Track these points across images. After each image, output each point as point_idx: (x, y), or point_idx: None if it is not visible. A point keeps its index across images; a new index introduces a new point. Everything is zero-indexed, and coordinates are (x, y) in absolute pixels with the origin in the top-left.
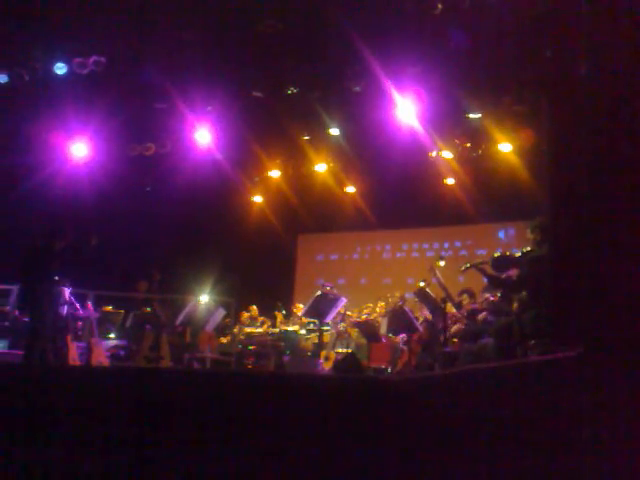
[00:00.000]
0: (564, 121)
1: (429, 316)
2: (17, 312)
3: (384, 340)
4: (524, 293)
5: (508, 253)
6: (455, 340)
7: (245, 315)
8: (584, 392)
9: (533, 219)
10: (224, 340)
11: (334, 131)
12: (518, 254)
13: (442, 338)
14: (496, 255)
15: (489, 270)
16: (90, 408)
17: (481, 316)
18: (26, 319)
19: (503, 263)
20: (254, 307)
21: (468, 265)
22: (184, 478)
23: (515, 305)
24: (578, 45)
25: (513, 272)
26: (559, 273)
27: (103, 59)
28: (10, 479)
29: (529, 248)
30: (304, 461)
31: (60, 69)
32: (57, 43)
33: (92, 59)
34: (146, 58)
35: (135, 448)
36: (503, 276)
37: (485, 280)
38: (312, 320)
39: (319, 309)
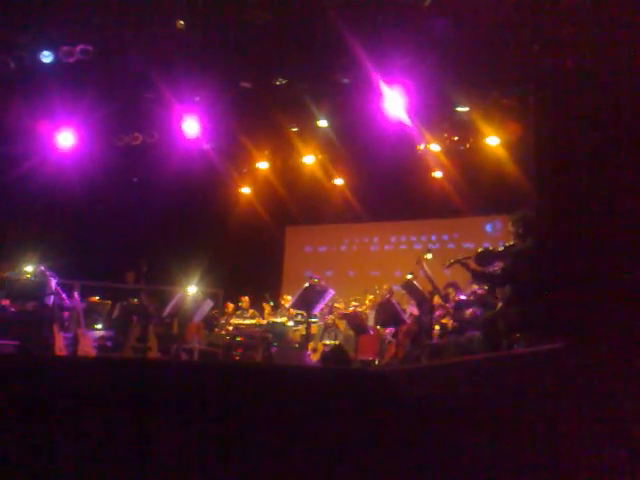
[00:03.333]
0: (551, 115)
1: (416, 309)
2: (7, 302)
3: (371, 332)
4: (507, 287)
5: (492, 248)
6: (443, 332)
7: (231, 306)
8: (570, 384)
9: (514, 213)
10: (222, 332)
11: (322, 123)
12: (501, 248)
13: (429, 330)
14: (479, 250)
15: (472, 265)
16: (76, 399)
17: (469, 312)
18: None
19: (486, 257)
20: (246, 298)
21: (452, 261)
22: (170, 469)
23: (498, 301)
24: (566, 38)
25: (497, 266)
26: (545, 266)
27: (90, 48)
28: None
29: (512, 242)
30: (291, 453)
31: (46, 57)
32: (44, 31)
33: (79, 47)
34: (134, 47)
35: (121, 439)
36: (487, 270)
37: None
38: (300, 312)
39: (307, 301)
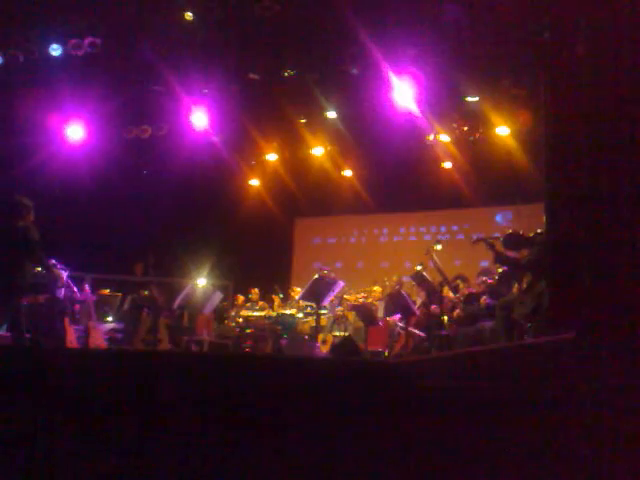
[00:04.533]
0: (562, 104)
1: (425, 300)
2: None
3: (381, 323)
4: (528, 274)
5: (521, 232)
6: (452, 323)
7: (240, 298)
8: (580, 374)
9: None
10: (231, 324)
11: (331, 114)
12: (532, 234)
13: (439, 321)
14: (509, 232)
15: (499, 246)
16: (88, 391)
17: (482, 299)
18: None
19: (514, 242)
20: (255, 290)
21: (479, 237)
22: (182, 460)
23: (517, 287)
24: (577, 26)
25: (523, 253)
26: (556, 256)
27: (99, 40)
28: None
29: (539, 230)
30: (301, 444)
31: (55, 50)
32: (52, 24)
33: (88, 40)
34: (142, 40)
35: (133, 430)
36: (511, 254)
37: (493, 255)
38: (309, 303)
39: (316, 292)
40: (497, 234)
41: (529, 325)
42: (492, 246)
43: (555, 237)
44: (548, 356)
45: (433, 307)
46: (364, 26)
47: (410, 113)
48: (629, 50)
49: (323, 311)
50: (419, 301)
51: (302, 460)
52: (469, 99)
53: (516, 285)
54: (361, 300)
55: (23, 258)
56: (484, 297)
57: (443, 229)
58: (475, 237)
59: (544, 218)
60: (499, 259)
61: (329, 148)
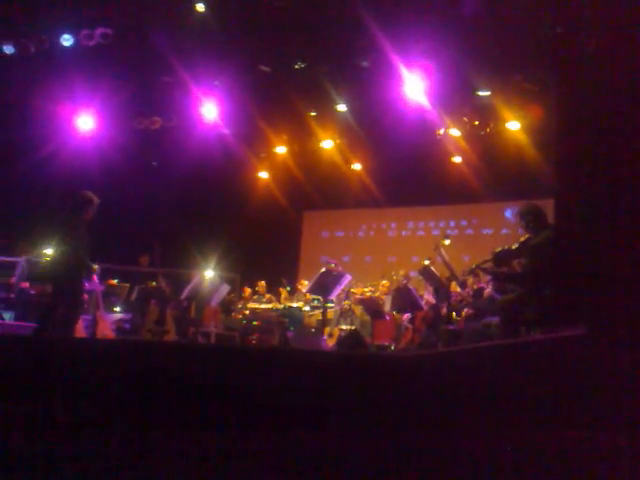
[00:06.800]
0: (573, 99)
1: (432, 295)
2: (27, 284)
3: (388, 317)
4: (528, 283)
5: (507, 247)
6: (460, 318)
7: (248, 291)
8: (587, 371)
9: (523, 205)
10: (239, 316)
11: (341, 107)
12: (515, 246)
13: (446, 316)
14: (496, 251)
15: (492, 268)
16: (95, 380)
17: (486, 292)
18: (33, 291)
19: (504, 258)
20: (263, 283)
21: (472, 267)
22: (186, 452)
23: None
24: (589, 22)
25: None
26: (563, 254)
27: (110, 31)
28: (10, 461)
29: (526, 236)
30: (306, 437)
31: (67, 41)
32: (64, 15)
33: (99, 31)
34: (153, 31)
35: (138, 420)
36: (507, 271)
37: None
38: (316, 297)
39: (324, 286)
40: (487, 260)
41: (536, 327)
42: (486, 270)
43: (565, 234)
44: (555, 353)
45: (440, 302)
46: (375, 19)
47: (420, 107)
48: None
49: (330, 304)
50: (426, 296)
51: (307, 454)
52: (480, 93)
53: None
54: (368, 294)
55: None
56: (487, 290)
57: (452, 224)
58: (467, 270)
59: (553, 215)
60: (498, 279)
61: (338, 141)
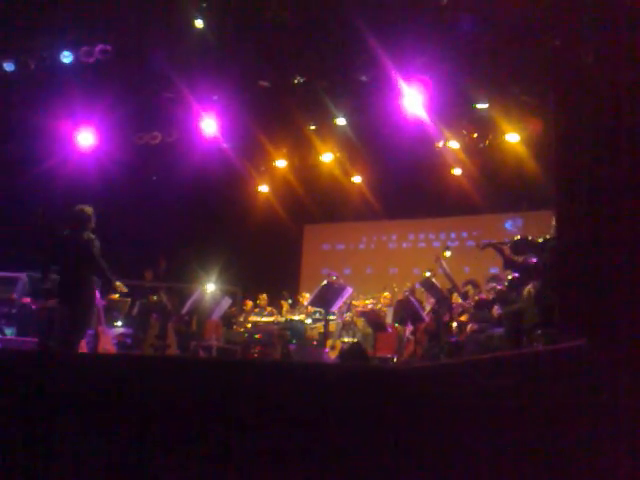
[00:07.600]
0: (572, 111)
1: (434, 307)
2: (29, 300)
3: (390, 330)
4: (539, 281)
5: (530, 238)
6: (461, 329)
7: (249, 304)
8: (589, 382)
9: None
10: (240, 330)
11: (340, 121)
12: (540, 240)
13: (448, 328)
14: (517, 238)
15: (507, 251)
16: (96, 395)
17: (494, 310)
18: (34, 307)
19: (522, 247)
20: (264, 296)
21: (488, 242)
22: (187, 466)
23: (527, 291)
24: (586, 34)
25: (531, 258)
26: (565, 263)
27: (109, 47)
28: (13, 469)
29: (548, 236)
30: (308, 450)
31: (66, 57)
32: (63, 31)
33: (98, 47)
34: (152, 47)
35: (139, 434)
36: (520, 260)
37: (502, 260)
38: (318, 309)
39: (325, 298)
40: (506, 239)
41: (539, 332)
42: (501, 251)
43: (565, 244)
44: (558, 363)
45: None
46: (374, 34)
47: (419, 120)
48: (638, 56)
49: (332, 317)
50: (428, 307)
51: (309, 467)
52: (479, 106)
53: (524, 292)
54: (370, 306)
55: (86, 270)
56: (495, 307)
57: (453, 236)
58: (484, 242)
59: (553, 225)
60: (508, 264)
61: (338, 155)
